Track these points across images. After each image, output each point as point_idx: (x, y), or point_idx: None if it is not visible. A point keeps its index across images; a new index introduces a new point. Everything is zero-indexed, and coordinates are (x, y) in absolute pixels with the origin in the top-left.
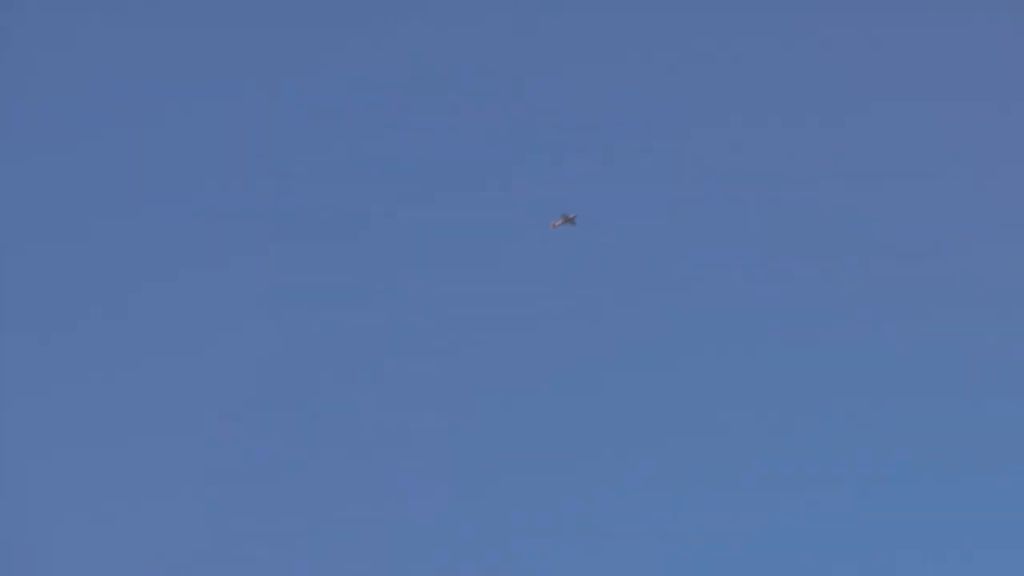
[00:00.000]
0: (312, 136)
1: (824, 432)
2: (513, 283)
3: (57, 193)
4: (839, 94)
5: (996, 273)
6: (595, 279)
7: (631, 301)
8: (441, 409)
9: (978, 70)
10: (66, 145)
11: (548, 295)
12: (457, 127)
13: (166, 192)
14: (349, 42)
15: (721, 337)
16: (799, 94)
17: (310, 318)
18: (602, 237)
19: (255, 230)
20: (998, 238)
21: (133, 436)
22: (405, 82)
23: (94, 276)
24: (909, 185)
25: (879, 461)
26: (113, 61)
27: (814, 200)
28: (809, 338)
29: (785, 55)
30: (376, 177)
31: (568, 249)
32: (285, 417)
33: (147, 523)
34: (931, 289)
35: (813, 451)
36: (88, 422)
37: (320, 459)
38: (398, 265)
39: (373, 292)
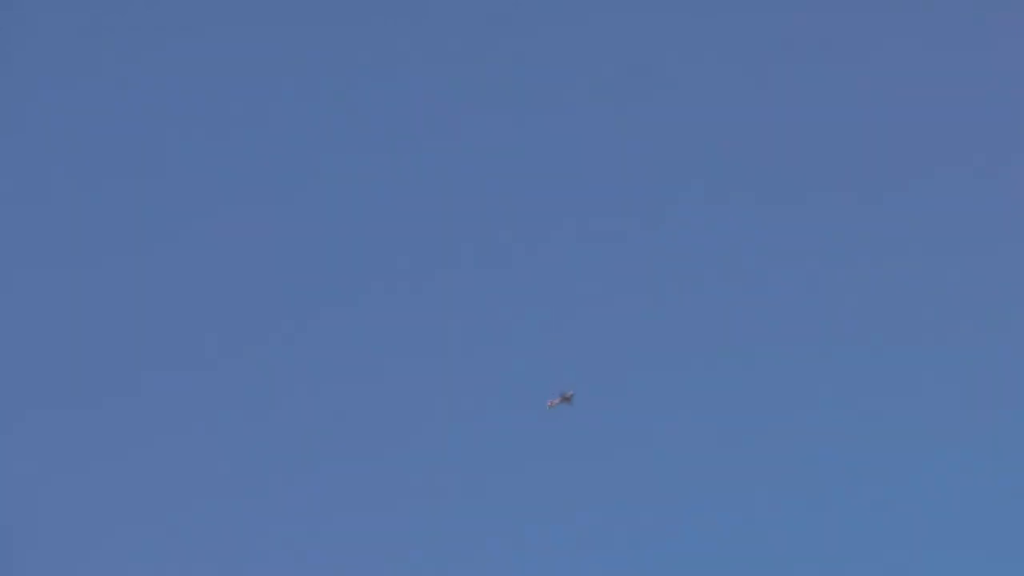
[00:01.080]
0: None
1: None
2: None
3: (56, 195)
4: (842, 100)
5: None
6: (601, 284)
7: (636, 302)
8: (445, 415)
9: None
10: (65, 144)
11: (552, 296)
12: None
13: (166, 194)
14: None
15: (725, 342)
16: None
17: (309, 323)
18: (604, 240)
19: (254, 233)
20: (999, 241)
21: (138, 445)
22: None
23: (93, 279)
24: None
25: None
26: (113, 61)
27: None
28: (814, 348)
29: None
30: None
31: (571, 251)
32: (285, 424)
33: (150, 528)
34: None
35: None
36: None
37: (319, 466)
38: (403, 267)
39: (374, 296)
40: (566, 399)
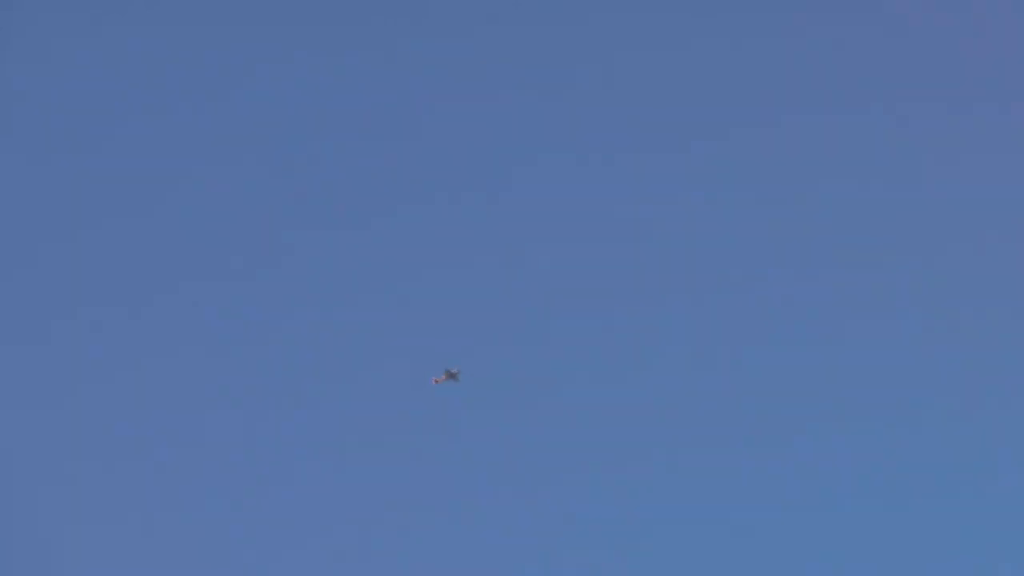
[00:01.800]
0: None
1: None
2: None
3: (50, 192)
4: (839, 93)
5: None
6: (597, 276)
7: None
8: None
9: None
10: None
11: (542, 290)
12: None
13: (165, 189)
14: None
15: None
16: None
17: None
18: (600, 235)
19: (253, 230)
20: (997, 236)
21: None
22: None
23: (90, 277)
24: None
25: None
26: (109, 59)
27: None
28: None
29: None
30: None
31: (576, 243)
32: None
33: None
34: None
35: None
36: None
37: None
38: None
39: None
40: (452, 376)
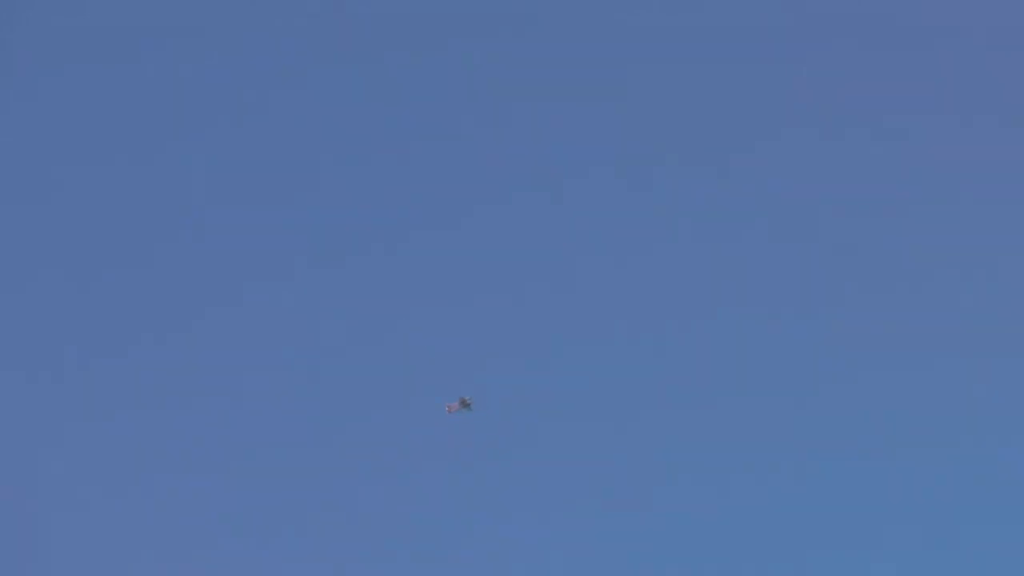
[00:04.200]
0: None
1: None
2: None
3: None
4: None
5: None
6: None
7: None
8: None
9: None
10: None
11: (528, 271)
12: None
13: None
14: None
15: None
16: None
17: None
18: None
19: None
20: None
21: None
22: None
23: (83, 271)
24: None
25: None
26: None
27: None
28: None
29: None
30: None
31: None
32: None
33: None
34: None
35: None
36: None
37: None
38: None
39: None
40: (465, 405)
